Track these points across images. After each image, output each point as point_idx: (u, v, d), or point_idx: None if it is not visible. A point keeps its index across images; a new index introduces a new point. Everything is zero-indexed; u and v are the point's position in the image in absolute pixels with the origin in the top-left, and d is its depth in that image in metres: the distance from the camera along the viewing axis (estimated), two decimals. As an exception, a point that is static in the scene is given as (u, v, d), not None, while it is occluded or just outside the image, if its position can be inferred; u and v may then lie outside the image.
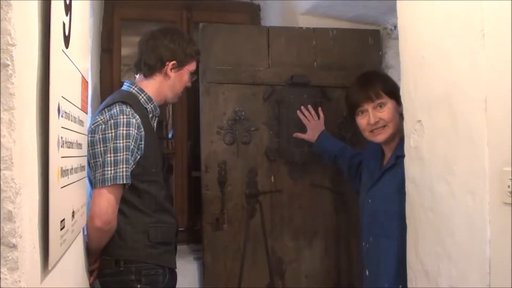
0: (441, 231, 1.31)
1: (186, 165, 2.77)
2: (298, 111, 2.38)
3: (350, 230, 2.45)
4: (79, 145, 1.29)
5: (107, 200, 1.65)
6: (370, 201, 1.86)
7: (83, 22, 1.38)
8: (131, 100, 1.81)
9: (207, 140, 2.38)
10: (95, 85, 2.36)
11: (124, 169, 1.66)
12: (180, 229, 2.13)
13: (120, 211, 1.72)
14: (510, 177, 1.04)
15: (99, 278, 1.80)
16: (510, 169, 1.04)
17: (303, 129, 2.37)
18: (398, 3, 1.53)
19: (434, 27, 1.35)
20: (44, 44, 0.92)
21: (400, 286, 1.62)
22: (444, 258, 1.29)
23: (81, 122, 1.33)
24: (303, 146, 2.43)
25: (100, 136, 1.69)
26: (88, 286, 1.72)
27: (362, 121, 1.86)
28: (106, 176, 1.64)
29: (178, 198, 2.76)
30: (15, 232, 0.75)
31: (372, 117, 1.81)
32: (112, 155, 1.66)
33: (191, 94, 2.60)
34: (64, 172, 1.06)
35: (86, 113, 1.47)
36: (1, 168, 0.74)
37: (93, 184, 1.68)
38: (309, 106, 2.38)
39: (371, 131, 1.84)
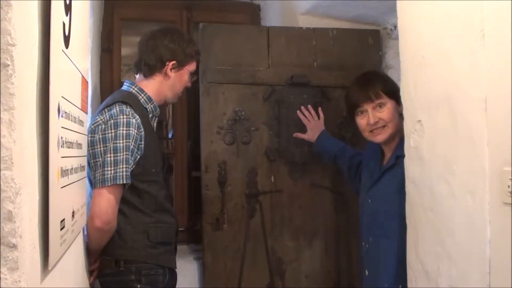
0: (441, 231, 1.31)
1: (186, 165, 2.77)
2: (298, 111, 2.38)
3: (350, 230, 2.45)
4: (79, 145, 1.29)
5: (107, 200, 1.65)
6: (370, 201, 1.86)
7: (83, 22, 1.38)
8: (131, 100, 1.81)
9: (207, 140, 2.38)
10: (95, 85, 2.36)
11: (124, 169, 1.66)
12: (180, 229, 2.13)
13: (120, 211, 1.73)
14: (510, 177, 1.04)
15: (99, 278, 1.80)
16: (510, 169, 1.04)
17: (303, 129, 2.37)
18: (398, 3, 1.53)
19: (434, 27, 1.35)
20: (44, 44, 0.92)
21: (400, 286, 1.62)
22: (444, 258, 1.29)
23: (81, 122, 1.33)
24: (303, 146, 2.43)
25: (100, 136, 1.69)
26: (88, 286, 1.72)
27: (361, 121, 1.86)
28: (106, 176, 1.64)
29: (178, 198, 2.76)
30: (15, 232, 0.75)
31: (371, 117, 1.81)
32: (112, 155, 1.66)
33: (191, 94, 2.60)
34: (64, 172, 1.06)
35: (86, 113, 1.47)
36: (1, 168, 0.74)
37: (93, 184, 1.68)
38: (309, 106, 2.38)
39: (371, 131, 1.84)
